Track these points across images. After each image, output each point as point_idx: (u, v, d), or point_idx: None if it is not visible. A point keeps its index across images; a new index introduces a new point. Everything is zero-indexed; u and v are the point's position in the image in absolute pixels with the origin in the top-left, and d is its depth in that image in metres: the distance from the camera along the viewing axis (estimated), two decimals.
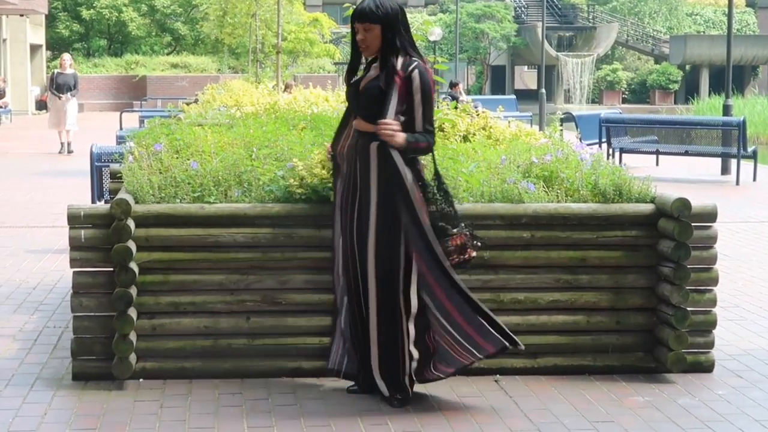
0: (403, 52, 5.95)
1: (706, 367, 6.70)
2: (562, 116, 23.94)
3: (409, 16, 6.25)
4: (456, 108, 9.39)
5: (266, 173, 6.63)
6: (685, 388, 6.41)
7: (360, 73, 6.13)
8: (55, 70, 25.71)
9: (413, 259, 5.94)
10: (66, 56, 26.35)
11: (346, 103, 6.24)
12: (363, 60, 6.12)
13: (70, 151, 23.92)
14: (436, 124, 8.06)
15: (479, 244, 6.06)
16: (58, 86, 24.88)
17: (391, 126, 5.85)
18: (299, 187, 6.43)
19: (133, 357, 6.29)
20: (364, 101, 5.99)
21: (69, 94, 24.78)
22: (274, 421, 5.74)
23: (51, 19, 55.51)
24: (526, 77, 75.84)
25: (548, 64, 54.70)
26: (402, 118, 5.90)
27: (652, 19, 71.15)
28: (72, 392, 6.22)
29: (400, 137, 5.86)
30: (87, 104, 48.78)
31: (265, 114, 10.33)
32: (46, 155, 23.04)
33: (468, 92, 57.45)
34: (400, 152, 5.88)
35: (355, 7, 6.06)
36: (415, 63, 5.93)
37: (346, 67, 6.38)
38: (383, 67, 5.95)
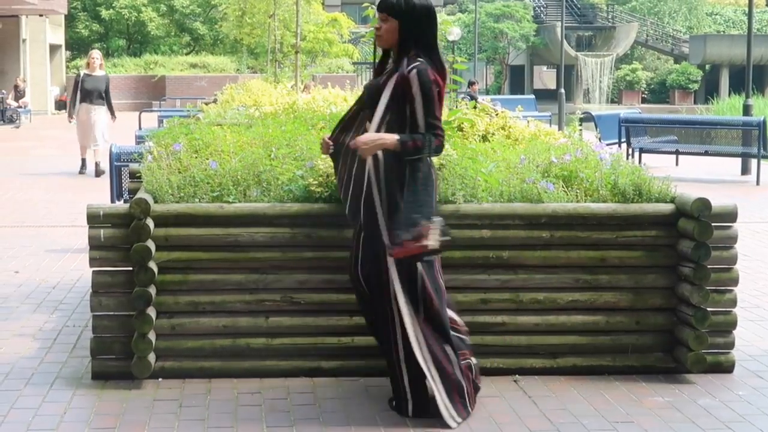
0: (417, 52, 5.76)
1: (727, 368, 6.67)
2: (582, 116, 23.86)
3: None
4: (475, 108, 9.38)
5: (285, 173, 6.63)
6: (705, 389, 6.38)
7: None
8: (82, 72, 19.32)
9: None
10: (96, 54, 19.88)
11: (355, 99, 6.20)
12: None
13: (99, 172, 18.62)
14: (455, 124, 8.08)
15: (448, 239, 5.72)
16: (87, 93, 19.05)
17: (365, 141, 5.67)
18: (318, 187, 6.43)
19: (152, 356, 6.30)
20: (367, 97, 5.96)
21: (99, 102, 19.25)
22: (293, 421, 5.74)
23: (70, 19, 55.71)
24: (545, 77, 75.71)
25: (567, 64, 54.61)
26: (387, 118, 5.74)
27: (671, 18, 70.95)
28: (91, 391, 6.23)
29: (387, 141, 5.66)
30: None
31: (284, 114, 10.33)
32: (65, 155, 23.08)
33: (487, 92, 57.45)
34: (401, 155, 5.66)
35: (375, 4, 6.05)
36: (416, 64, 5.69)
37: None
38: (395, 65, 5.85)
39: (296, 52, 22.05)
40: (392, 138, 5.65)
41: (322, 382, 6.36)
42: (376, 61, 6.08)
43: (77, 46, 59.64)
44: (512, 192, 6.65)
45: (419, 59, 5.73)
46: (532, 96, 42.15)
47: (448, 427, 5.66)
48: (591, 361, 6.59)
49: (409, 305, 5.74)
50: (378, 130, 5.75)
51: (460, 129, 8.58)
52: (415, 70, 5.67)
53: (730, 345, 6.71)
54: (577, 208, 6.54)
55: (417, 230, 5.60)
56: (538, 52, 68.13)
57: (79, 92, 19.06)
